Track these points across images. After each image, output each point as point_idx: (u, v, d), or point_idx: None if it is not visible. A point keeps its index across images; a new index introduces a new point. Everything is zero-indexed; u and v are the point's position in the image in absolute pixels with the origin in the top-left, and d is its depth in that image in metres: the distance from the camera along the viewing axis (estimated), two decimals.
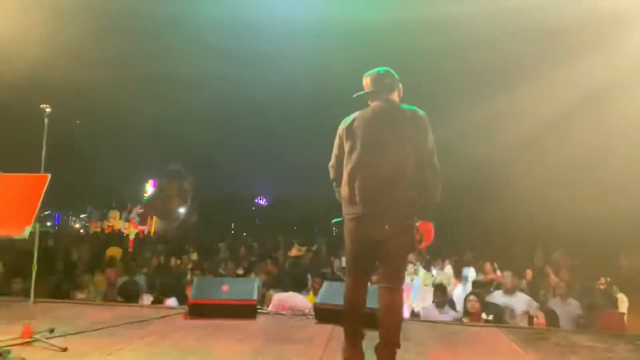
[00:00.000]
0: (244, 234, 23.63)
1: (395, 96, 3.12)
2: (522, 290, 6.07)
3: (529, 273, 8.20)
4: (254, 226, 30.74)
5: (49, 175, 3.50)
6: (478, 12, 10.15)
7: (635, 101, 10.04)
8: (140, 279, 6.87)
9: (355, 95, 3.16)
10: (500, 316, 5.15)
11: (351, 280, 3.03)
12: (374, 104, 3.10)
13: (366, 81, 3.15)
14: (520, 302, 5.46)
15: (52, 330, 3.58)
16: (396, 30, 12.46)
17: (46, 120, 3.67)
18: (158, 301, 5.62)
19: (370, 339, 2.89)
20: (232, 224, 29.97)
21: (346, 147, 3.04)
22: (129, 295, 5.51)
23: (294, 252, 10.51)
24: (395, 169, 2.87)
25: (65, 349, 3.20)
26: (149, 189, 31.60)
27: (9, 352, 3.05)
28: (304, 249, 10.74)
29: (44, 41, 10.46)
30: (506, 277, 5.85)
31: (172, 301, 5.66)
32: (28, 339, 3.33)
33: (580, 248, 11.80)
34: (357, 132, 3.00)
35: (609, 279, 7.01)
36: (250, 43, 13.95)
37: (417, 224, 2.90)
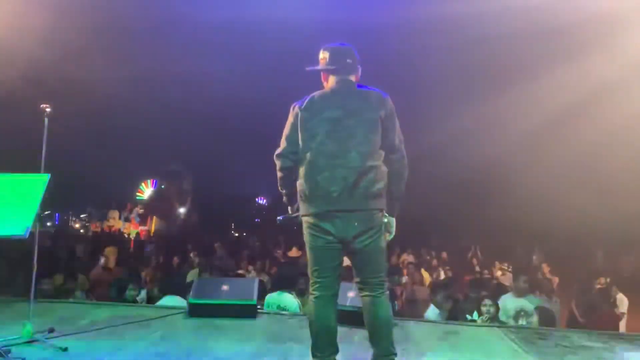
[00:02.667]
0: (244, 233, 23.63)
1: (353, 78, 2.77)
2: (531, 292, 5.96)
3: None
4: (254, 226, 30.74)
5: (49, 175, 3.50)
6: (478, 12, 10.15)
7: (635, 101, 10.05)
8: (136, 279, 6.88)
9: (308, 69, 2.80)
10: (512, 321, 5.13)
11: (318, 295, 2.65)
12: (332, 85, 2.74)
13: (324, 55, 2.76)
14: (533, 304, 5.37)
15: (52, 330, 3.58)
16: (396, 30, 12.46)
17: (46, 120, 3.67)
18: (154, 299, 5.62)
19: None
20: (232, 224, 29.97)
21: (303, 134, 2.65)
22: (119, 293, 5.55)
23: (293, 252, 10.50)
24: (364, 158, 2.55)
25: (65, 349, 3.20)
26: (146, 189, 31.62)
27: (8, 352, 3.05)
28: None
29: (44, 41, 10.46)
30: (520, 280, 5.63)
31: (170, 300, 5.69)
32: (28, 339, 3.33)
33: (581, 248, 11.82)
34: (317, 116, 2.63)
35: (608, 279, 7.01)
36: (250, 43, 13.96)
37: (386, 220, 2.65)
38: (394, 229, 2.71)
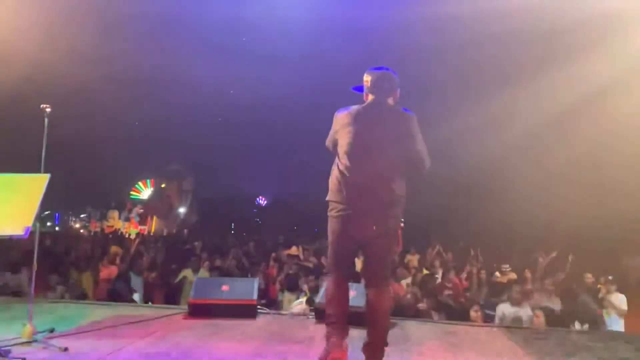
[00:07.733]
0: (244, 234, 23.61)
1: (390, 100, 3.06)
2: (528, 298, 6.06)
3: (527, 274, 8.16)
4: (254, 226, 30.70)
5: (49, 175, 3.50)
6: (478, 12, 10.15)
7: (635, 101, 10.05)
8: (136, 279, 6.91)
9: (351, 88, 3.16)
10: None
11: (333, 280, 3.03)
12: (367, 103, 3.06)
13: (367, 79, 3.09)
14: (529, 311, 5.55)
15: (52, 330, 3.58)
16: (396, 30, 12.47)
17: (46, 120, 3.67)
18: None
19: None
20: (232, 224, 29.95)
21: (338, 138, 3.02)
22: (119, 295, 5.57)
23: (292, 251, 10.47)
24: (385, 171, 2.87)
25: (65, 349, 3.20)
26: (144, 188, 31.57)
27: (8, 352, 3.05)
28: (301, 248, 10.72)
29: (44, 41, 10.46)
30: (515, 289, 5.93)
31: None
32: (28, 339, 3.33)
33: (581, 248, 11.78)
34: (350, 130, 2.95)
35: (610, 277, 7.00)
36: (251, 43, 13.97)
37: (402, 225, 2.94)
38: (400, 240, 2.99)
